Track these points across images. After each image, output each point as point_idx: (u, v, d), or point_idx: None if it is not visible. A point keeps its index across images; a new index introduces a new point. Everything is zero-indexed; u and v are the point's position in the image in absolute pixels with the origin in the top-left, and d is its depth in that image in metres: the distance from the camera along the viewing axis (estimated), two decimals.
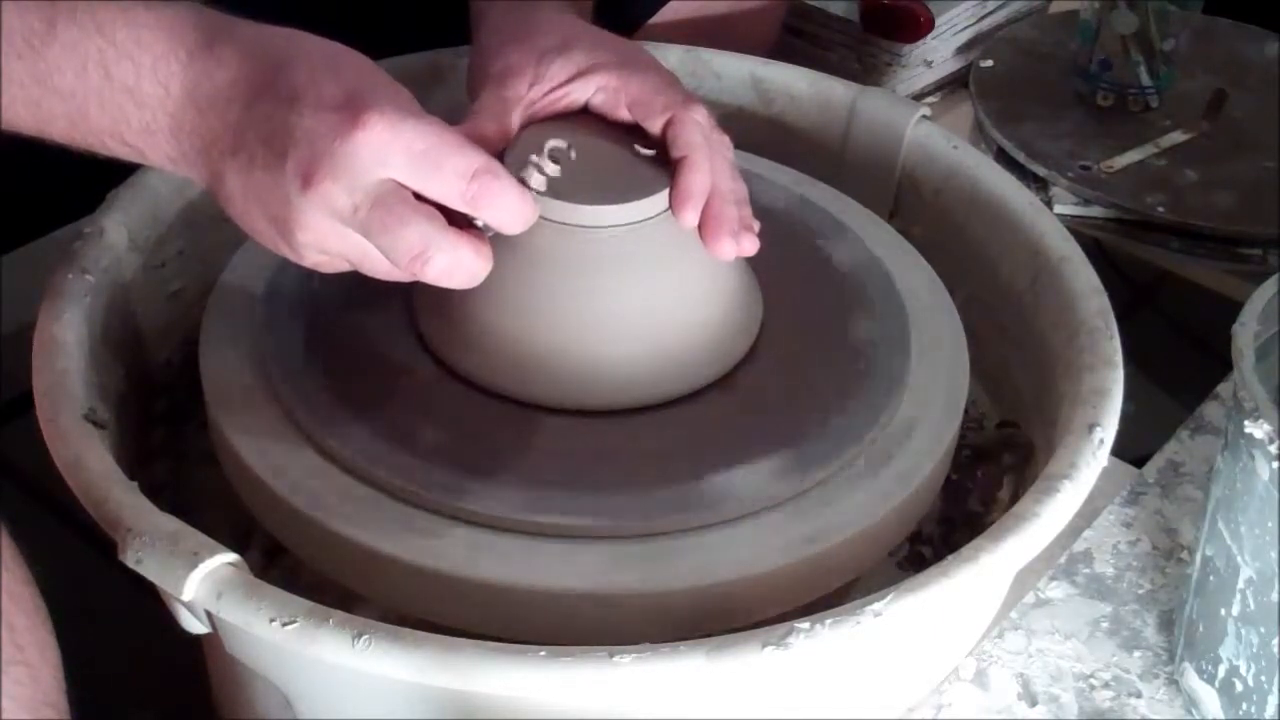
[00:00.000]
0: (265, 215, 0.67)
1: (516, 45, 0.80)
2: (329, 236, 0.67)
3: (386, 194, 0.66)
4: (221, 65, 0.66)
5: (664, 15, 1.09)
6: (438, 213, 0.67)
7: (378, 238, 0.66)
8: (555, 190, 0.75)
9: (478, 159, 0.67)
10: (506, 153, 0.76)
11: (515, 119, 0.78)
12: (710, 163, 0.75)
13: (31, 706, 0.63)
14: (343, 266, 0.69)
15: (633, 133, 0.78)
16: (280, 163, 0.65)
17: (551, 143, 0.75)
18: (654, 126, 0.77)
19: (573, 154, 0.76)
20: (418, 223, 0.66)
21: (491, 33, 0.82)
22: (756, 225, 0.76)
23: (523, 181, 0.71)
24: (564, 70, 0.79)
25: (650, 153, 0.77)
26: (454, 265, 0.67)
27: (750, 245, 0.76)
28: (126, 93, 0.66)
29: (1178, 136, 1.28)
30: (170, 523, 0.67)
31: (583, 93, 0.79)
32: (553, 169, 0.73)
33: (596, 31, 0.82)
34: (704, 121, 0.77)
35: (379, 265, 0.68)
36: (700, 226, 0.75)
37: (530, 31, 0.80)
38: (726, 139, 0.78)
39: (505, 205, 0.68)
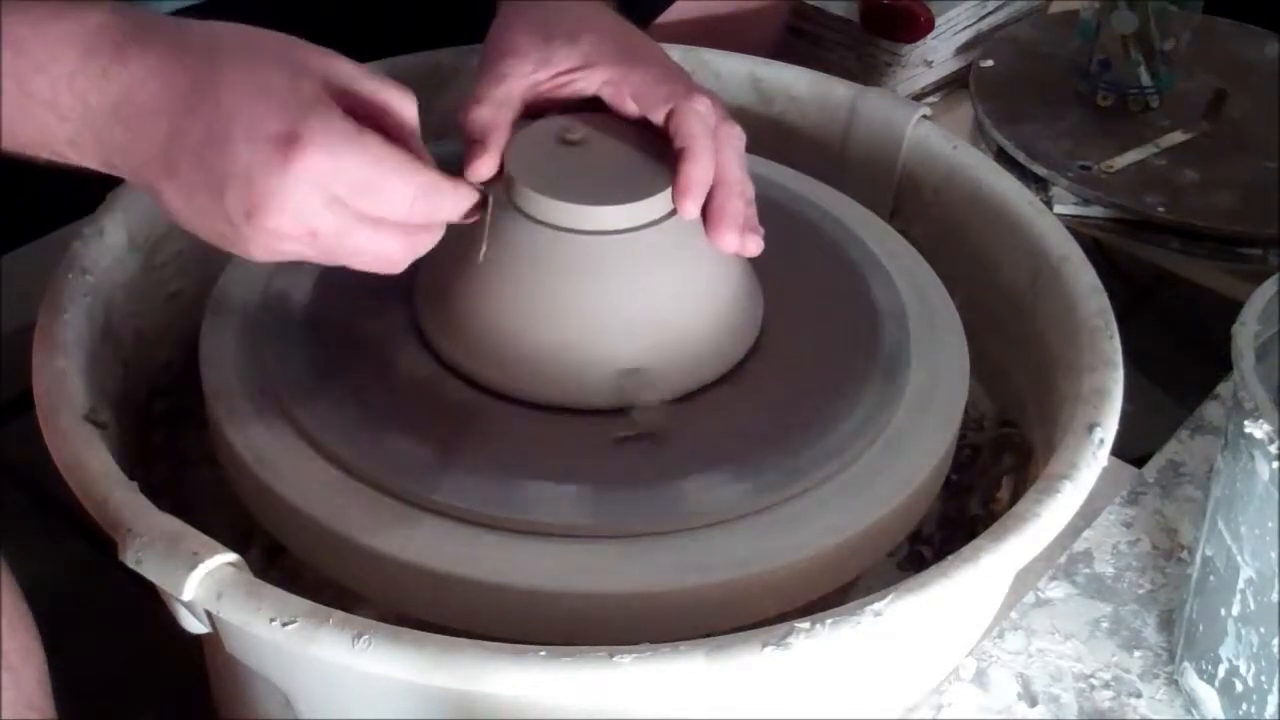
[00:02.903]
0: (212, 234, 0.66)
1: (527, 28, 0.80)
2: (281, 253, 0.66)
3: (338, 221, 0.65)
4: (140, 80, 0.64)
5: (667, 15, 1.09)
6: (393, 225, 0.67)
7: (340, 259, 0.67)
8: (560, 192, 0.75)
9: (417, 179, 0.66)
10: (509, 148, 0.77)
11: (515, 99, 0.78)
12: (712, 153, 0.75)
13: (13, 709, 0.63)
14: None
15: (641, 128, 0.78)
16: (220, 194, 0.64)
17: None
18: (657, 118, 0.77)
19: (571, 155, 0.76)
20: (376, 244, 0.66)
21: (507, 16, 0.82)
22: (761, 230, 0.76)
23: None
24: (570, 58, 0.79)
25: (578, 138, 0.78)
26: (414, 255, 0.69)
27: (755, 246, 0.76)
28: (46, 107, 0.64)
29: (1178, 136, 1.28)
30: (170, 523, 0.67)
31: (589, 84, 0.79)
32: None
33: (612, 21, 0.82)
34: (706, 112, 0.76)
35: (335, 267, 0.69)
36: (705, 218, 0.75)
37: (544, 17, 0.80)
38: (737, 130, 0.78)
39: (449, 217, 0.69)
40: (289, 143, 0.62)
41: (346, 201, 0.65)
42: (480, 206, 0.71)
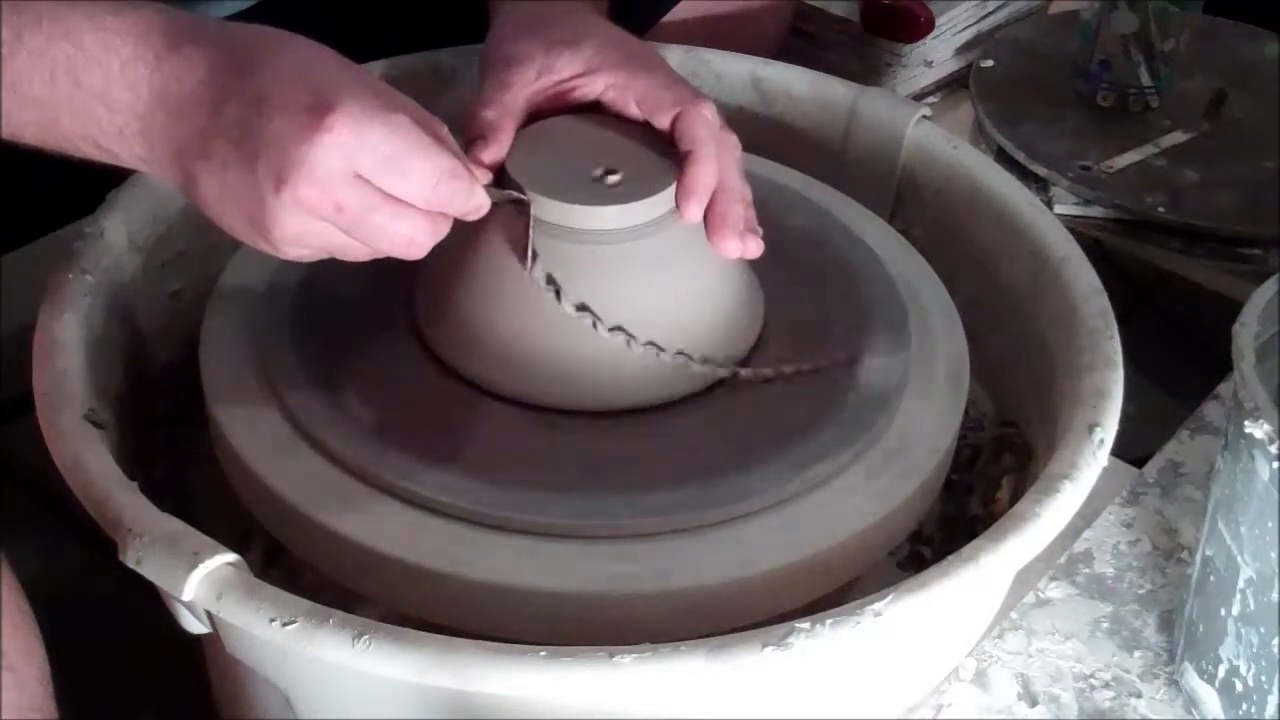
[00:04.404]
0: (241, 216, 0.67)
1: (527, 35, 0.80)
2: (306, 234, 0.67)
3: (362, 197, 0.66)
4: (189, 67, 0.66)
5: (671, 14, 1.09)
6: (414, 207, 0.68)
7: (364, 239, 0.68)
8: (559, 192, 0.75)
9: (441, 162, 0.68)
10: (512, 150, 0.77)
11: (519, 105, 0.78)
12: (717, 158, 0.75)
13: (16, 710, 0.63)
14: (322, 256, 0.70)
15: (643, 131, 0.78)
16: (252, 166, 0.65)
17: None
18: (662, 122, 0.78)
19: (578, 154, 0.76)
20: (400, 224, 0.68)
21: (505, 22, 0.83)
22: (760, 231, 0.76)
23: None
24: (572, 64, 0.79)
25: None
26: (434, 241, 0.70)
27: (755, 248, 0.76)
28: (97, 98, 0.66)
29: (1178, 136, 1.28)
30: (170, 523, 0.67)
31: (591, 89, 0.79)
32: None
33: (609, 28, 0.83)
34: (712, 118, 0.77)
35: (359, 252, 0.69)
36: (707, 223, 0.75)
37: (543, 23, 0.81)
38: (735, 139, 0.79)
39: (465, 206, 0.70)
40: (320, 112, 0.64)
41: (371, 179, 0.66)
42: (523, 216, 0.73)
